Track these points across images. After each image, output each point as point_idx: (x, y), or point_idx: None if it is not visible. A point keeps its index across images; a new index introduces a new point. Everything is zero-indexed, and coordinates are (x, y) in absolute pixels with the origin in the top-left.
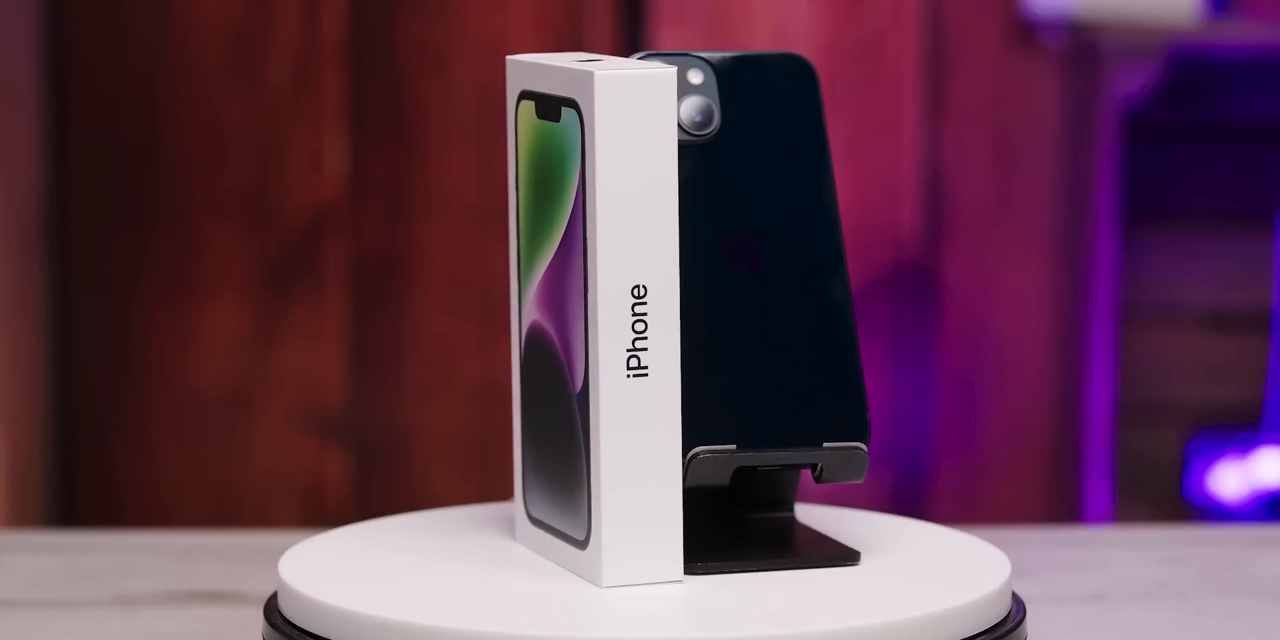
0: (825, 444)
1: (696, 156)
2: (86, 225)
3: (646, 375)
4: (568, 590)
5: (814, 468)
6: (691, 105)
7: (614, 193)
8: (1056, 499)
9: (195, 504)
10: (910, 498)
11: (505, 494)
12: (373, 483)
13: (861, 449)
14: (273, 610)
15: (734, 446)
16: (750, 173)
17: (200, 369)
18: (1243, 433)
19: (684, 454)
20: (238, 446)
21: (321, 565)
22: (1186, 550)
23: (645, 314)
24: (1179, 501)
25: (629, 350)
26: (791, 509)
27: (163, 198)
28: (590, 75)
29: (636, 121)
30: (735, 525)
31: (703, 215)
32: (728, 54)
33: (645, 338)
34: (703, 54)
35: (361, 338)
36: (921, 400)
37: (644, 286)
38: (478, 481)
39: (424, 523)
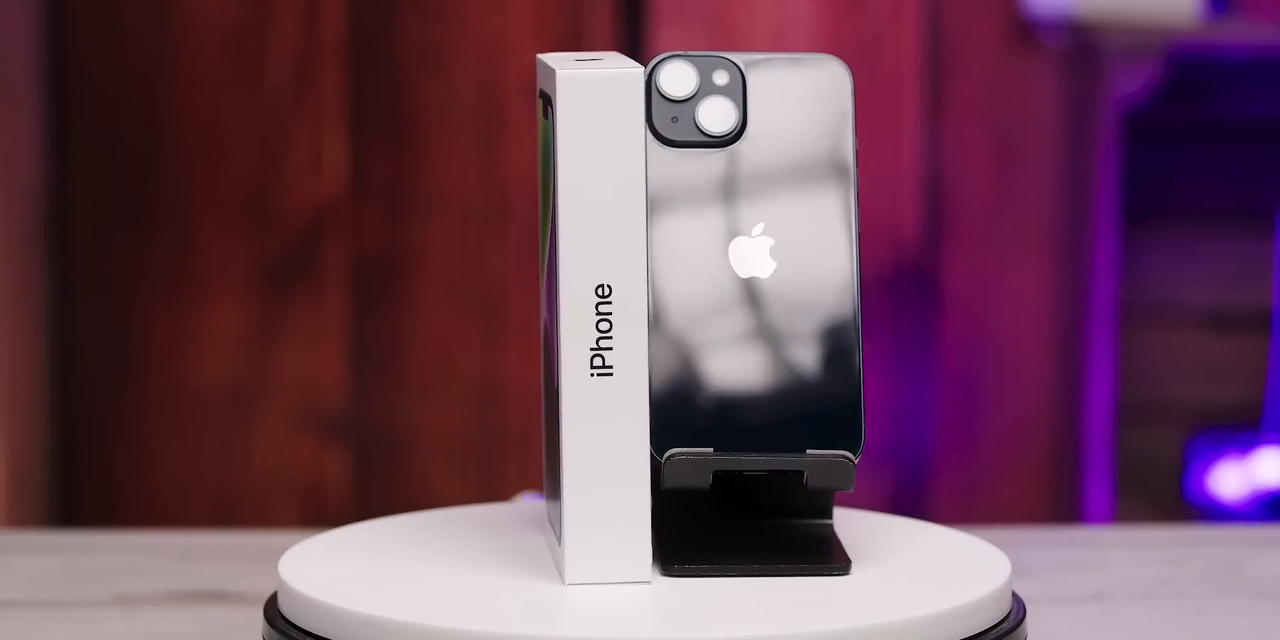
0: (809, 451)
1: (716, 157)
2: (86, 225)
3: (611, 375)
4: (545, 589)
5: (801, 475)
6: (711, 106)
7: (577, 191)
8: (1056, 499)
9: (195, 504)
10: (910, 498)
11: (505, 494)
12: (373, 483)
13: (846, 458)
14: (273, 610)
15: (710, 449)
16: (771, 175)
17: (200, 369)
18: (1243, 433)
19: (661, 455)
20: (238, 446)
21: (321, 565)
22: (1186, 550)
23: (610, 313)
24: (1179, 501)
25: (592, 349)
26: (830, 517)
27: (163, 198)
28: (554, 73)
29: (600, 120)
30: (749, 531)
31: (716, 215)
32: (758, 55)
33: (610, 337)
34: (730, 55)
35: (361, 338)
36: (921, 400)
37: (608, 286)
38: (478, 481)
39: (424, 523)
